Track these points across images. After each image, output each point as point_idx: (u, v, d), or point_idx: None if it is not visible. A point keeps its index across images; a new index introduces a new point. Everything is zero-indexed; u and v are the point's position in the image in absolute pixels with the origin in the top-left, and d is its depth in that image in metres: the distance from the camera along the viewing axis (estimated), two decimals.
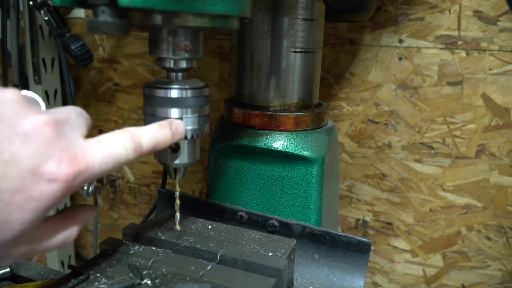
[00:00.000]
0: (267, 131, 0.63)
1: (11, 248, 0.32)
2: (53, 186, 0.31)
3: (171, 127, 0.43)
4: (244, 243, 0.52)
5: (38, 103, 0.36)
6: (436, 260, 1.01)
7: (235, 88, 0.70)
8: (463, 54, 0.88)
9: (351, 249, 0.58)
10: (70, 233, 0.37)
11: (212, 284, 0.42)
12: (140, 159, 0.44)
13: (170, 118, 0.46)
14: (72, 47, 0.89)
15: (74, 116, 0.36)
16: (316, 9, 0.63)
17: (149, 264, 0.45)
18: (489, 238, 0.96)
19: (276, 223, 0.62)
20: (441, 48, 0.90)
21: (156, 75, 1.16)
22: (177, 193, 0.52)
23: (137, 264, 0.45)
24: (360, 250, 0.58)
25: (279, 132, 0.63)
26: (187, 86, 0.46)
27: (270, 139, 0.63)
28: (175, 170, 0.51)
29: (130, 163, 0.41)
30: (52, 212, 0.36)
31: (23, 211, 0.30)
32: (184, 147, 0.49)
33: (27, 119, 0.31)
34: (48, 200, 0.31)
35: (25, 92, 0.35)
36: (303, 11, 0.61)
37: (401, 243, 1.03)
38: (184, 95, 0.46)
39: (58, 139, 0.32)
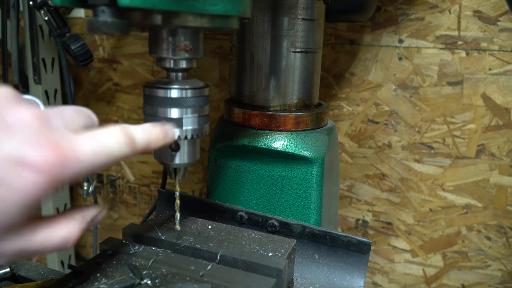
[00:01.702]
0: (267, 131, 0.63)
1: (1, 243, 0.32)
2: (36, 176, 0.30)
3: (163, 127, 0.43)
4: (244, 243, 0.52)
5: (37, 103, 0.36)
6: (436, 260, 1.01)
7: (235, 88, 0.70)
8: (463, 54, 0.88)
9: (351, 249, 0.58)
10: (69, 232, 0.36)
11: (212, 284, 0.42)
12: (136, 156, 0.43)
13: (170, 118, 0.46)
14: (72, 47, 0.89)
15: (69, 111, 0.35)
16: (316, 9, 0.63)
17: (149, 264, 0.45)
18: (489, 238, 0.96)
19: (276, 223, 0.62)
20: (441, 48, 0.90)
21: (156, 75, 1.16)
22: (177, 193, 0.52)
23: (137, 264, 0.45)
24: (360, 250, 0.58)
25: (279, 132, 0.63)
26: (187, 86, 0.46)
27: (270, 139, 0.63)
28: (175, 170, 0.51)
29: (125, 159, 0.40)
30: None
31: (7, 203, 0.30)
32: (184, 147, 0.49)
33: (15, 112, 0.31)
34: (31, 192, 0.30)
35: (25, 96, 0.35)
36: (303, 11, 0.61)
37: (401, 243, 1.03)
38: (184, 95, 0.46)
39: (45, 130, 0.31)
